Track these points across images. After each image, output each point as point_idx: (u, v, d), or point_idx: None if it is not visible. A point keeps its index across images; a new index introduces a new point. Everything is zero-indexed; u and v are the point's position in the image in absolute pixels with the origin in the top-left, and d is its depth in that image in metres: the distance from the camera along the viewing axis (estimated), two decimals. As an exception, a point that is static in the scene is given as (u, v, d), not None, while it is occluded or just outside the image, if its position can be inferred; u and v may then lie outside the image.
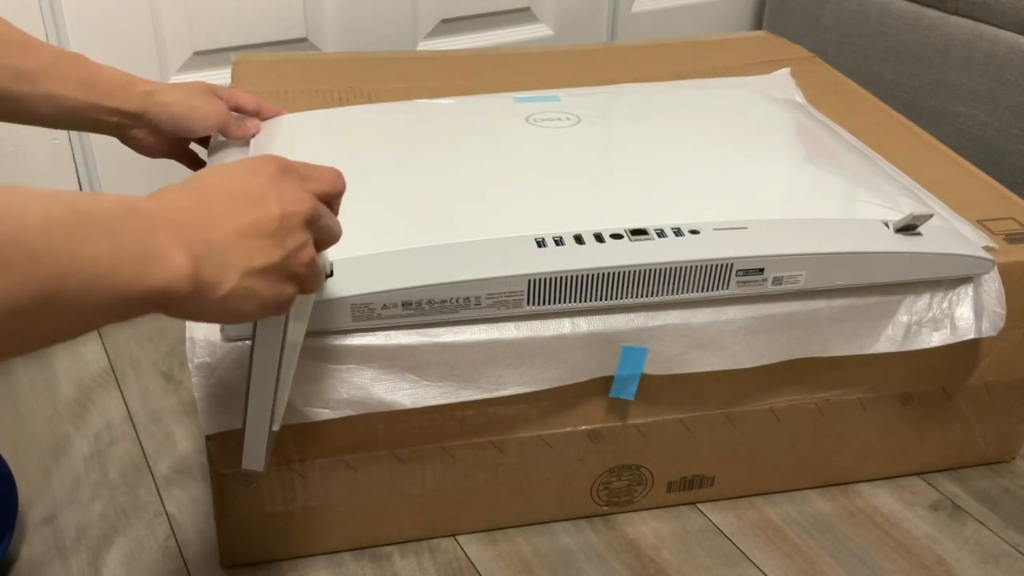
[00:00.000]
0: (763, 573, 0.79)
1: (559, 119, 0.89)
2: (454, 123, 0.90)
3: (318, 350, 0.68)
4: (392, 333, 0.68)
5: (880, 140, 0.94)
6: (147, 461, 0.89)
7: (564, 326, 0.71)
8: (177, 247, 0.44)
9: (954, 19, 1.25)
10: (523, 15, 1.41)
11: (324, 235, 0.55)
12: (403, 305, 0.67)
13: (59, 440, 0.91)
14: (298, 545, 0.79)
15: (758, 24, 1.62)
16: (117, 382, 0.99)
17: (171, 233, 0.44)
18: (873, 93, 1.34)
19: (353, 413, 0.69)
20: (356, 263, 0.67)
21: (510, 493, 0.80)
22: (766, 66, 1.10)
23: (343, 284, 0.66)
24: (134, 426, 0.93)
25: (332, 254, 0.66)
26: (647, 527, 0.83)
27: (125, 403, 0.96)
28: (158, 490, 0.86)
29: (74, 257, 0.39)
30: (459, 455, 0.76)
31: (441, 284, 0.67)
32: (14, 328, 0.38)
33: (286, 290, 0.51)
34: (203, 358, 0.67)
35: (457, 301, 0.68)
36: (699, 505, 0.85)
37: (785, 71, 1.07)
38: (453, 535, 0.81)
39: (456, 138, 0.86)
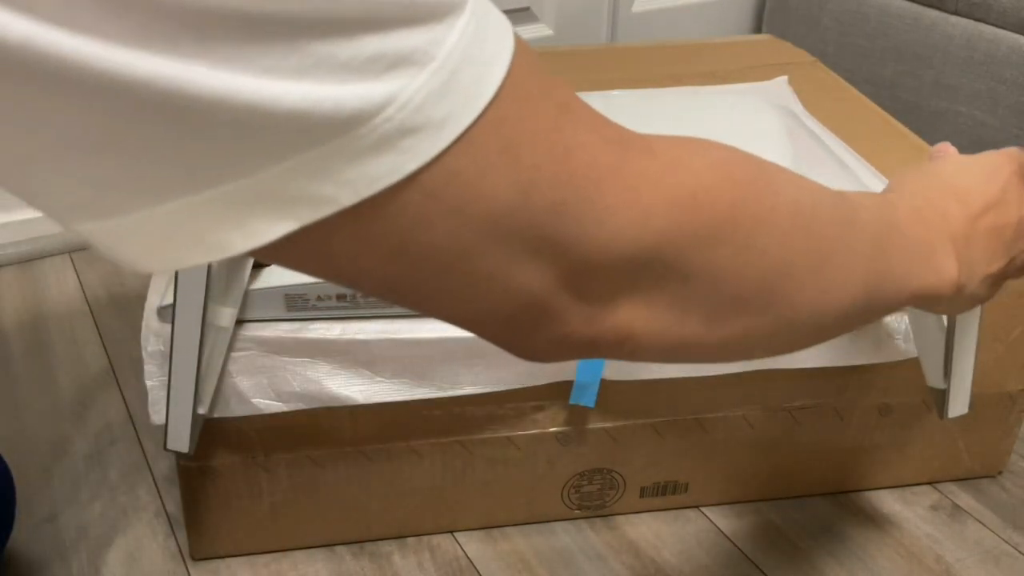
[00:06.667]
0: (763, 573, 0.79)
1: None
2: None
3: (271, 342, 0.67)
4: (347, 327, 0.68)
5: (873, 146, 0.93)
6: (147, 461, 0.89)
7: None
8: (950, 255, 0.45)
9: (954, 19, 1.25)
10: (523, 15, 1.41)
11: None
12: (337, 297, 0.67)
13: (59, 440, 0.91)
14: (269, 540, 0.78)
15: (758, 24, 1.62)
16: (117, 382, 0.99)
17: (947, 242, 0.45)
18: (873, 93, 1.34)
19: (305, 407, 0.69)
20: None
21: (479, 494, 0.79)
22: (767, 70, 1.10)
23: (278, 274, 0.66)
24: (134, 426, 0.93)
25: None
26: (647, 527, 0.83)
27: (125, 403, 0.96)
28: (158, 490, 0.86)
29: (891, 265, 0.41)
30: (426, 454, 0.76)
31: None
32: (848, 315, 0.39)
33: (991, 293, 0.50)
34: (156, 347, 0.66)
35: None
36: (700, 506, 0.85)
37: (783, 79, 1.07)
38: (423, 534, 0.81)
39: None
